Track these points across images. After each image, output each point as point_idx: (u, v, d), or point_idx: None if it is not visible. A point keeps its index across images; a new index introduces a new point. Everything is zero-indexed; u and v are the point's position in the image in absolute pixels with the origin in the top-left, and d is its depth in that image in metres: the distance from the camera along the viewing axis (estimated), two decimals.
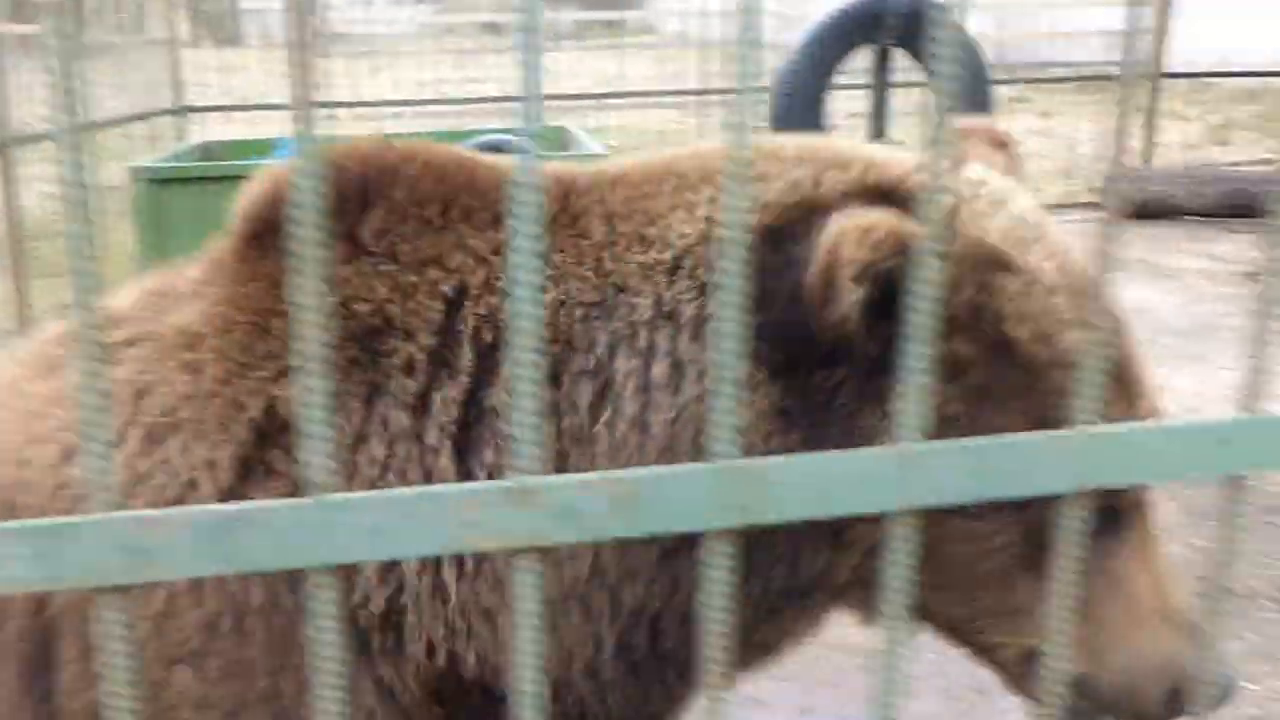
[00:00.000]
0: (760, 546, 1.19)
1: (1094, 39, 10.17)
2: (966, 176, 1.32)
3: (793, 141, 1.39)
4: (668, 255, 1.31)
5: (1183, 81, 11.21)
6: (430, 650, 1.31)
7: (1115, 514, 1.24)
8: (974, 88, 7.15)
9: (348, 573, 1.25)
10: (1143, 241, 7.33)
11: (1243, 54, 10.80)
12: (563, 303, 1.31)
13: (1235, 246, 7.39)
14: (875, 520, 0.82)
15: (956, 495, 0.81)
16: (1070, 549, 0.84)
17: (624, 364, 1.27)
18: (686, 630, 1.27)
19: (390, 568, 1.28)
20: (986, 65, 7.75)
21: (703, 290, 1.28)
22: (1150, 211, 7.95)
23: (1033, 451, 0.82)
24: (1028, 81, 11.66)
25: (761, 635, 1.35)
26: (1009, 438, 0.82)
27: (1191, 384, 4.78)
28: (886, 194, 1.25)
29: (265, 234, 1.37)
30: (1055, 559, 0.85)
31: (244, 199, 1.44)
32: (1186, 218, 8.13)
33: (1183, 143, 10.48)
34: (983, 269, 1.23)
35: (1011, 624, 1.29)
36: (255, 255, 1.40)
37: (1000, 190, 1.33)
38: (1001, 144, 1.51)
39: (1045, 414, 1.20)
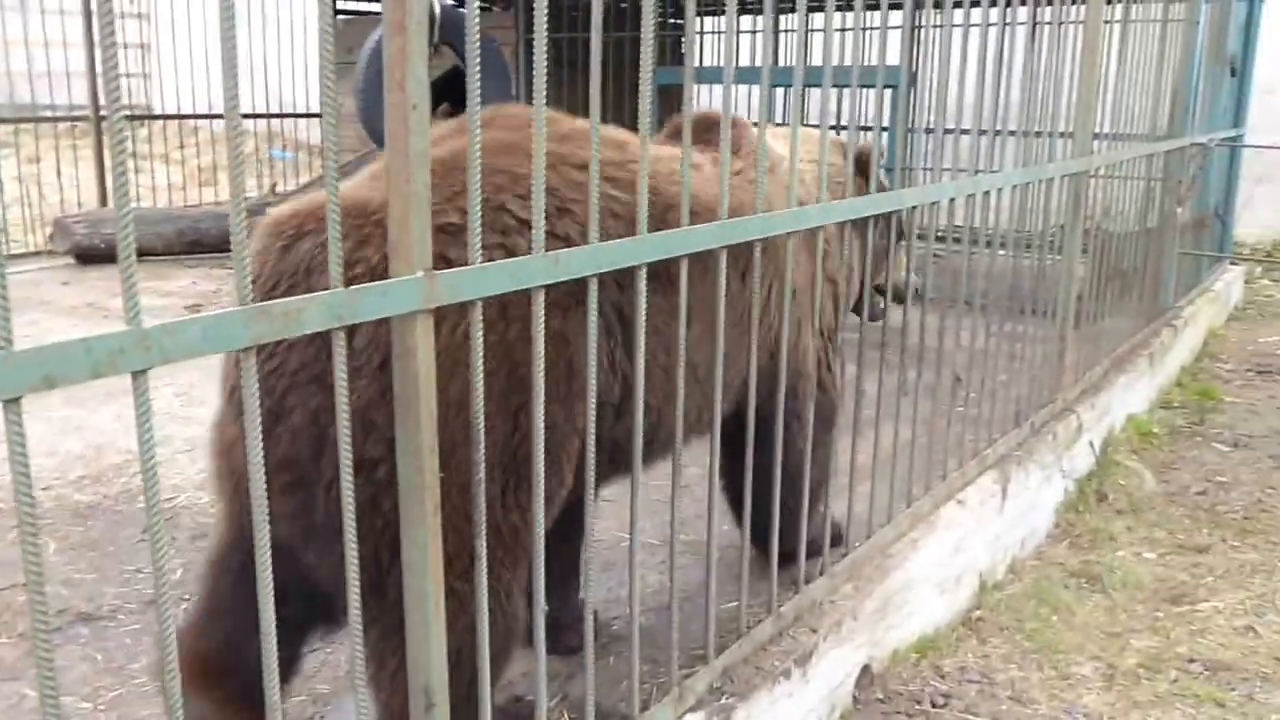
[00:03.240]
0: None
1: (78, 80, 10.20)
2: None
3: None
4: None
5: (174, 123, 11.87)
6: None
7: None
8: None
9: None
10: (102, 283, 7.67)
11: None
12: None
13: (187, 282, 7.96)
14: None
15: None
16: None
17: None
18: None
19: None
20: None
21: None
22: (107, 254, 8.11)
23: None
24: (11, 122, 11.27)
25: None
26: None
27: None
28: None
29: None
30: None
31: None
32: (148, 257, 8.41)
33: (171, 184, 11.05)
34: None
35: None
36: None
37: None
38: None
39: None
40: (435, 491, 1.67)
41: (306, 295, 1.42)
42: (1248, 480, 5.25)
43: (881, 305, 3.64)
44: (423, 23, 1.44)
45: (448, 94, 5.60)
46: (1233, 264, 8.96)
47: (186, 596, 3.11)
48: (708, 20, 10.46)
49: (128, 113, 1.23)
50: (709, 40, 10.67)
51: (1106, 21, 4.59)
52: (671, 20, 10.13)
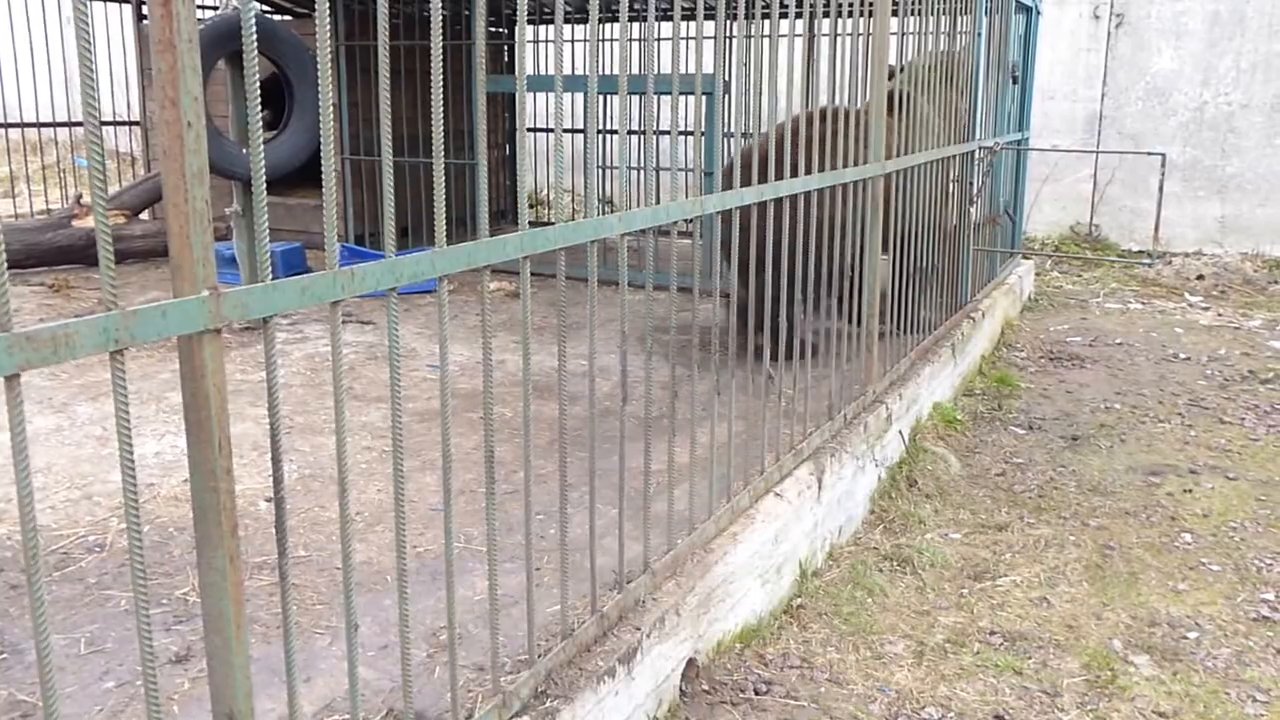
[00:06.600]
0: None
1: None
2: None
3: None
4: None
5: None
6: None
7: None
8: None
9: None
10: None
11: (30, 107, 11.20)
12: None
13: None
14: None
15: None
16: None
17: None
18: None
19: None
20: None
21: None
22: None
23: None
24: None
25: None
26: None
27: None
28: None
29: None
30: None
31: None
32: None
33: None
34: None
35: None
36: None
37: None
38: None
39: None
40: (232, 513, 1.65)
41: (81, 319, 1.38)
42: (1041, 460, 5.61)
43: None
44: (194, 40, 1.42)
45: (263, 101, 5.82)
46: (1024, 258, 9.54)
47: None
48: (528, 29, 10.51)
49: None
50: (520, 49, 10.71)
51: (894, 34, 4.84)
52: (491, 30, 10.16)
